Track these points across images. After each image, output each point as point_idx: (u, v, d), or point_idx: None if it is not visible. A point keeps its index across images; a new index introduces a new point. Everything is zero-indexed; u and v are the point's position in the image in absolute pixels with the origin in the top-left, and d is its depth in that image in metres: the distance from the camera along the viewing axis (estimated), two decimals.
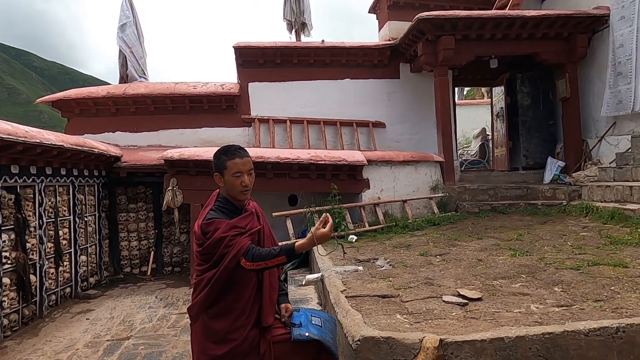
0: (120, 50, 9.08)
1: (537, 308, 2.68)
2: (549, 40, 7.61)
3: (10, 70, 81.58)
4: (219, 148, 2.30)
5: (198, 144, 8.20)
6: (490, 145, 11.07)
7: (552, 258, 3.89)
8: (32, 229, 5.54)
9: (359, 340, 2.25)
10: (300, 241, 2.08)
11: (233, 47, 8.53)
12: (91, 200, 7.23)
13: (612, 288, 2.95)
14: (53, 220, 6.04)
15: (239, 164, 2.19)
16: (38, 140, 5.22)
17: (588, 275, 3.29)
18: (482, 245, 4.67)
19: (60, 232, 6.20)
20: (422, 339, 2.18)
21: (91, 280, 7.06)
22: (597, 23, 7.37)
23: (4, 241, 4.96)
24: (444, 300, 2.92)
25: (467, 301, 2.87)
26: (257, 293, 2.21)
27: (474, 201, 7.20)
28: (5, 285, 4.95)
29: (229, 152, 2.22)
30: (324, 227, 2.07)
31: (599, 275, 3.25)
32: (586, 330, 2.19)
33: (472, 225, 6.04)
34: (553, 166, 7.80)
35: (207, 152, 6.69)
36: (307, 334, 2.20)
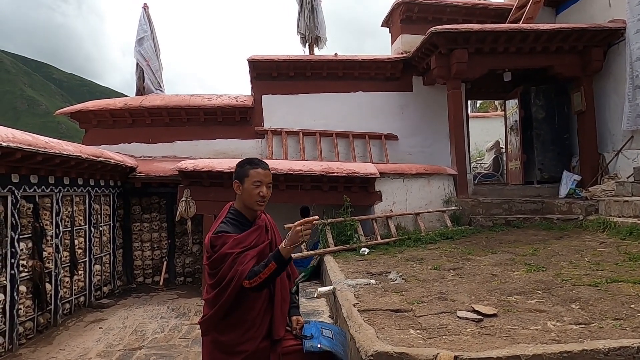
0: (137, 63, 9.29)
1: (554, 325, 2.62)
2: (564, 53, 7.57)
3: (31, 82, 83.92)
4: (242, 159, 2.37)
5: (212, 155, 8.29)
6: (504, 159, 10.97)
7: (568, 274, 3.81)
8: (48, 238, 5.63)
9: (372, 356, 2.23)
10: (282, 243, 2.08)
11: (247, 60, 8.65)
12: (106, 210, 7.33)
13: (631, 306, 2.88)
14: (69, 229, 6.14)
15: (262, 174, 2.25)
16: (57, 151, 5.34)
17: (607, 292, 3.22)
18: (496, 260, 4.60)
19: (76, 242, 6.29)
20: (436, 356, 2.15)
21: (105, 289, 7.13)
22: (612, 36, 7.31)
23: (22, 249, 5.05)
24: (458, 316, 2.88)
25: (481, 317, 2.82)
26: (268, 305, 2.23)
27: (488, 215, 7.11)
28: (22, 293, 5.03)
29: (252, 162, 2.31)
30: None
31: (618, 293, 3.18)
32: (606, 350, 2.14)
33: (486, 239, 5.96)
34: (569, 180, 7.68)
35: (221, 164, 6.75)
36: (319, 346, 2.20)
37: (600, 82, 7.73)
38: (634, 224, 5.28)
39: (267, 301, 2.23)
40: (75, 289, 6.26)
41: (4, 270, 4.73)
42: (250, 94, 8.91)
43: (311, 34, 9.43)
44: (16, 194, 4.99)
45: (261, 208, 2.30)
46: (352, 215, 6.20)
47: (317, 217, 2.21)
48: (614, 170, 7.36)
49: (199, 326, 2.33)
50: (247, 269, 2.08)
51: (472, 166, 10.73)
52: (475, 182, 9.61)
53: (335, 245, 5.86)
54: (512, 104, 9.60)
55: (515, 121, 9.20)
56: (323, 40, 9.55)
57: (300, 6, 9.52)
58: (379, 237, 6.24)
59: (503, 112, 11.22)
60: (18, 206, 5.01)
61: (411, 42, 8.77)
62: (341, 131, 8.67)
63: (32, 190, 5.32)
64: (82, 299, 6.46)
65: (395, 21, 9.55)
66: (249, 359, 2.15)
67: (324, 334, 2.30)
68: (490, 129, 14.13)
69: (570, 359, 2.11)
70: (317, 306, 4.38)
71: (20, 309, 4.99)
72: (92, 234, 6.74)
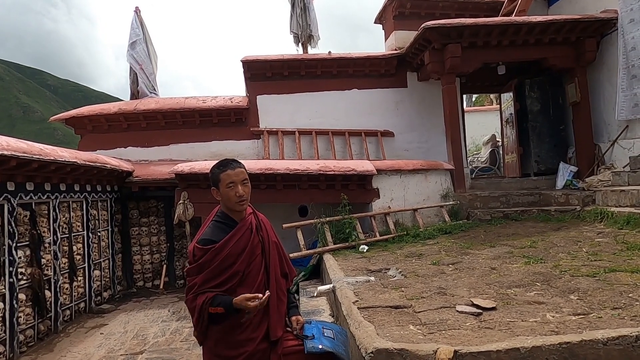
0: (130, 67, 9.25)
1: (553, 317, 2.63)
2: (557, 45, 7.57)
3: (26, 89, 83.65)
4: (214, 164, 2.35)
5: (208, 157, 8.27)
6: (501, 152, 10.99)
7: (567, 265, 3.82)
8: (46, 245, 5.61)
9: (372, 353, 2.24)
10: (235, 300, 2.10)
11: (241, 61, 8.64)
12: (104, 215, 7.32)
13: (630, 295, 2.89)
14: (67, 235, 6.12)
15: (231, 175, 2.23)
16: (52, 158, 5.32)
17: (605, 282, 3.23)
18: (495, 253, 4.61)
19: (74, 248, 6.28)
20: (436, 350, 2.15)
21: (105, 294, 7.12)
22: (605, 27, 7.32)
23: (20, 257, 5.03)
24: (457, 310, 2.89)
25: (481, 311, 2.83)
26: (264, 307, 2.21)
27: (486, 208, 7.12)
28: (21, 301, 5.02)
29: (221, 165, 2.29)
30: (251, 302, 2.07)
31: (616, 282, 3.19)
32: (604, 339, 2.14)
33: (484, 233, 5.97)
34: (565, 171, 7.70)
35: None
36: (320, 347, 2.19)
37: (594, 73, 7.75)
38: (631, 213, 5.29)
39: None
40: (75, 295, 6.24)
41: (2, 278, 4.71)
42: (245, 94, 8.89)
43: (304, 32, 9.41)
44: (12, 202, 4.97)
45: (243, 208, 2.26)
46: (350, 213, 6.20)
47: (269, 293, 2.15)
48: (610, 160, 7.38)
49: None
50: (199, 303, 2.13)
51: (469, 160, 10.74)
52: (473, 176, 9.62)
53: (334, 244, 5.86)
54: (507, 97, 9.61)
55: (511, 114, 9.20)
56: (316, 38, 9.53)
57: (293, 5, 9.51)
58: (377, 234, 6.24)
59: (498, 106, 11.22)
60: (15, 214, 4.99)
61: (405, 38, 8.77)
62: (337, 129, 8.67)
63: (28, 197, 5.30)
64: (82, 305, 6.44)
65: (388, 17, 9.54)
66: (251, 358, 2.15)
67: (325, 334, 2.29)
68: (486, 123, 14.15)
69: (569, 350, 2.12)
70: (317, 305, 4.38)
71: (20, 316, 4.97)
72: (90, 240, 6.72)
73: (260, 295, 2.09)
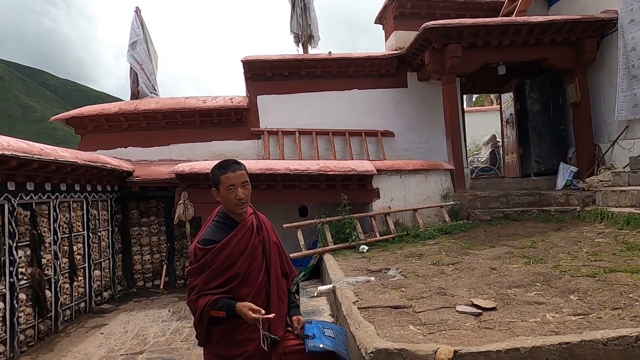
0: (131, 67, 9.25)
1: (553, 317, 2.63)
2: (557, 45, 7.58)
3: (26, 89, 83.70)
4: (215, 164, 2.34)
5: (209, 157, 8.27)
6: (501, 152, 10.99)
7: (567, 265, 3.82)
8: (47, 245, 5.62)
9: (372, 353, 2.24)
10: (238, 305, 2.10)
11: (241, 61, 8.64)
12: (104, 215, 7.32)
13: (630, 295, 2.89)
14: (67, 235, 6.12)
15: (232, 177, 2.22)
16: (53, 158, 5.32)
17: (605, 282, 3.23)
18: (495, 254, 4.62)
19: (75, 248, 6.28)
20: (436, 350, 2.16)
21: (105, 294, 7.12)
22: (605, 27, 7.32)
23: (20, 257, 5.04)
24: (457, 311, 2.89)
25: (481, 311, 2.83)
26: (265, 307, 2.22)
27: (486, 209, 7.12)
28: (22, 301, 5.02)
29: (222, 167, 2.27)
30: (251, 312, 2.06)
31: (616, 283, 3.19)
32: (604, 340, 2.15)
33: (484, 233, 5.97)
34: (565, 172, 7.70)
35: None
36: (321, 346, 2.20)
37: (594, 73, 7.75)
38: (631, 213, 5.29)
39: (264, 302, 2.22)
40: (75, 295, 6.24)
41: (3, 278, 4.72)
42: (245, 94, 8.90)
43: (304, 32, 9.42)
44: (13, 201, 4.98)
45: (242, 210, 2.26)
46: (350, 213, 6.20)
47: (274, 314, 2.14)
48: (610, 160, 7.38)
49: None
50: (201, 305, 2.13)
51: (469, 160, 10.74)
52: (473, 176, 9.62)
53: (335, 244, 5.86)
54: (508, 97, 9.61)
55: (511, 114, 9.20)
56: (316, 38, 9.54)
57: (293, 5, 9.51)
58: (377, 234, 6.24)
59: (498, 106, 11.23)
60: (15, 214, 5.00)
61: (405, 38, 8.77)
62: (337, 129, 8.67)
63: (28, 197, 5.30)
64: (82, 304, 6.45)
65: (389, 18, 9.54)
66: (251, 358, 2.15)
67: (326, 334, 2.30)
68: (486, 123, 14.15)
69: (569, 350, 2.12)
70: (317, 305, 4.38)
71: (21, 316, 4.98)
72: (90, 240, 6.72)
73: (264, 311, 2.08)
